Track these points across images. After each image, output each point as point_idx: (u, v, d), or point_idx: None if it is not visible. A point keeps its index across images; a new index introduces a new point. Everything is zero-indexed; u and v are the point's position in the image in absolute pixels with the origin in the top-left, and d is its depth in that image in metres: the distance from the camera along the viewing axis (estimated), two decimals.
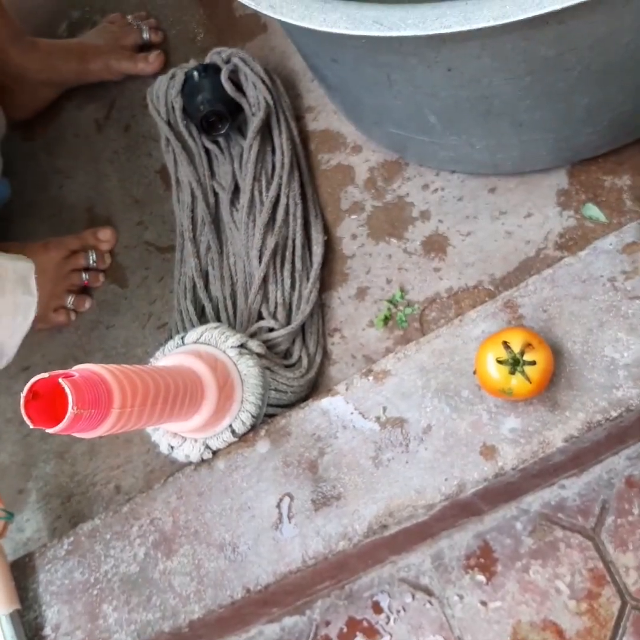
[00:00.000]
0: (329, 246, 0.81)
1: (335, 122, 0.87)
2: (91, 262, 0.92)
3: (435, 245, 0.76)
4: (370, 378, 0.65)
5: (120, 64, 1.00)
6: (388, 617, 0.71)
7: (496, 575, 0.68)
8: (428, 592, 0.70)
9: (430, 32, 0.51)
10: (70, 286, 0.92)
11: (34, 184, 1.06)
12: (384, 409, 0.64)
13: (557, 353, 0.59)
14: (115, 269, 0.94)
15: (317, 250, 0.79)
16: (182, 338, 0.71)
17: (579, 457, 0.64)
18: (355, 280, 0.79)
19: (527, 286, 0.63)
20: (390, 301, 0.76)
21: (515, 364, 0.56)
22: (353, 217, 0.82)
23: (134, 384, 0.53)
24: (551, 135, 0.67)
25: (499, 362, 0.56)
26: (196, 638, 0.73)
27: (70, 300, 0.91)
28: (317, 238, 0.80)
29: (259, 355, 0.71)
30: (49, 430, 0.46)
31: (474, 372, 0.59)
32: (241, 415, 0.68)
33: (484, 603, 0.67)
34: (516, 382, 0.56)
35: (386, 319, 0.76)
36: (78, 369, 0.49)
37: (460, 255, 0.75)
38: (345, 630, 0.72)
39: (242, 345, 0.70)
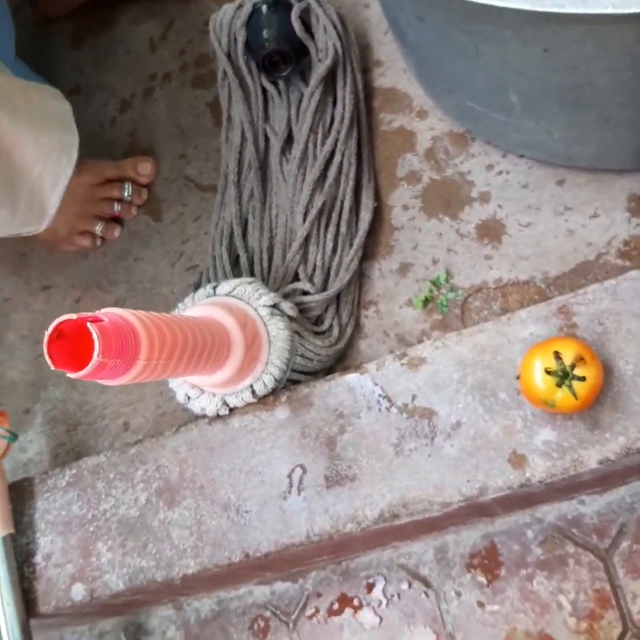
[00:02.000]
0: (378, 213, 0.77)
1: (404, 82, 0.82)
2: (126, 194, 0.88)
3: (491, 231, 0.73)
4: (404, 362, 0.63)
5: None
6: (380, 601, 0.70)
7: (498, 579, 0.67)
8: (426, 583, 0.69)
9: (542, 9, 0.46)
10: (100, 213, 0.88)
11: (77, 97, 1.01)
12: (414, 397, 0.61)
13: (607, 370, 0.56)
14: (150, 200, 0.90)
15: (365, 216, 0.75)
16: (214, 288, 0.68)
17: (606, 477, 0.61)
18: (400, 254, 0.75)
19: (586, 294, 0.59)
20: (433, 282, 0.73)
21: (564, 376, 0.53)
22: (408, 186, 0.77)
23: (163, 336, 0.50)
24: (637, 136, 0.62)
25: (547, 372, 0.53)
26: (185, 588, 0.73)
27: (99, 227, 0.88)
28: (367, 203, 0.76)
29: (290, 318, 0.68)
30: (71, 375, 0.43)
31: (517, 377, 0.56)
32: (264, 377, 0.66)
33: (481, 604, 0.66)
34: (562, 395, 0.53)
35: (426, 301, 0.72)
36: (108, 313, 0.46)
37: (515, 246, 0.71)
38: (335, 605, 0.72)
39: (274, 305, 0.67)
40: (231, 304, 0.66)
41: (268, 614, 0.74)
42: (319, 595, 0.73)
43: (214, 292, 0.68)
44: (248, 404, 0.67)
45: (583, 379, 0.53)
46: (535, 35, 0.53)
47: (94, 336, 0.42)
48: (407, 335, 0.72)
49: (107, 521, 0.70)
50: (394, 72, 0.82)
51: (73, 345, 0.44)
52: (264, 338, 0.66)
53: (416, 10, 0.59)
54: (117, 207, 0.88)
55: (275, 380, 0.66)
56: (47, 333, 0.45)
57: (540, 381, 0.53)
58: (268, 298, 0.67)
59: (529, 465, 0.57)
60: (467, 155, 0.76)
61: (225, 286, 0.68)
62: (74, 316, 0.43)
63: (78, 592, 0.68)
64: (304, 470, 0.63)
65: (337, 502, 0.61)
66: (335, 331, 0.72)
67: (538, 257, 0.70)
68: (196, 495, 0.66)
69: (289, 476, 0.63)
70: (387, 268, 0.75)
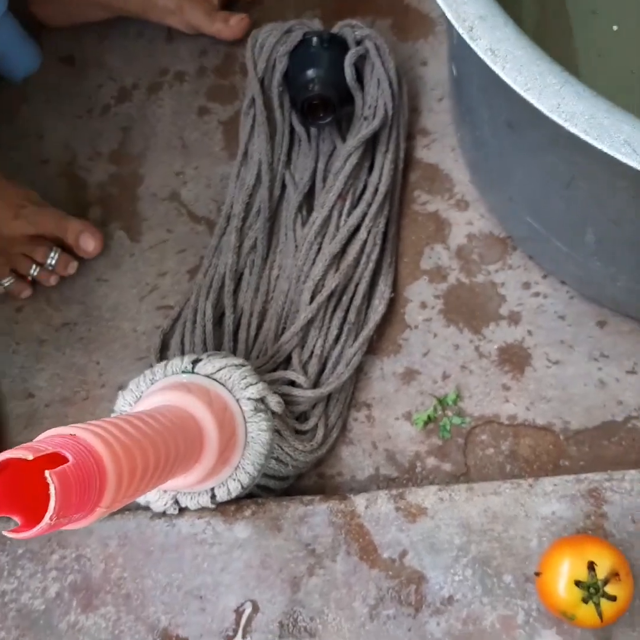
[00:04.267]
0: (391, 304, 0.68)
1: (449, 161, 0.72)
2: (50, 262, 0.74)
3: (514, 359, 0.64)
4: (400, 507, 0.53)
5: (194, 14, 0.80)
6: None
7: None
8: None
9: None
10: (13, 266, 0.74)
11: (69, 68, 0.87)
12: (404, 553, 0.52)
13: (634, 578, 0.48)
14: (131, 216, 0.78)
15: (379, 306, 0.66)
16: (194, 363, 0.57)
17: None
18: (408, 357, 0.66)
19: (623, 481, 0.52)
20: (440, 400, 0.64)
21: (594, 592, 0.45)
22: (431, 282, 0.68)
23: (133, 464, 0.39)
24: None
25: (576, 583, 0.45)
26: None
27: (6, 281, 0.74)
28: (384, 292, 0.66)
29: (273, 413, 0.58)
30: (6, 533, 0.32)
31: (536, 574, 0.48)
32: (230, 483, 0.55)
33: None
34: (585, 612, 0.45)
35: (428, 420, 0.63)
36: (72, 445, 0.34)
37: (538, 383, 0.63)
38: None
39: (261, 399, 0.57)
40: (211, 391, 0.55)
41: None
42: None
43: (193, 368, 0.57)
44: (203, 508, 0.57)
45: (614, 598, 0.45)
46: None
47: (52, 491, 0.31)
48: (398, 455, 0.63)
49: (3, 606, 0.58)
50: (440, 147, 0.73)
51: (15, 484, 0.32)
52: (240, 438, 0.55)
53: (509, 114, 0.50)
54: (34, 270, 0.74)
55: (242, 487, 0.56)
56: None
57: (565, 591, 0.45)
58: (255, 390, 0.56)
59: None
60: (503, 264, 0.67)
61: (208, 365, 0.57)
62: (28, 454, 0.31)
63: None
64: (256, 609, 0.53)
65: None
66: (320, 434, 0.62)
67: (561, 403, 0.62)
68: (119, 605, 0.55)
69: (237, 611, 0.53)
70: (390, 369, 0.66)
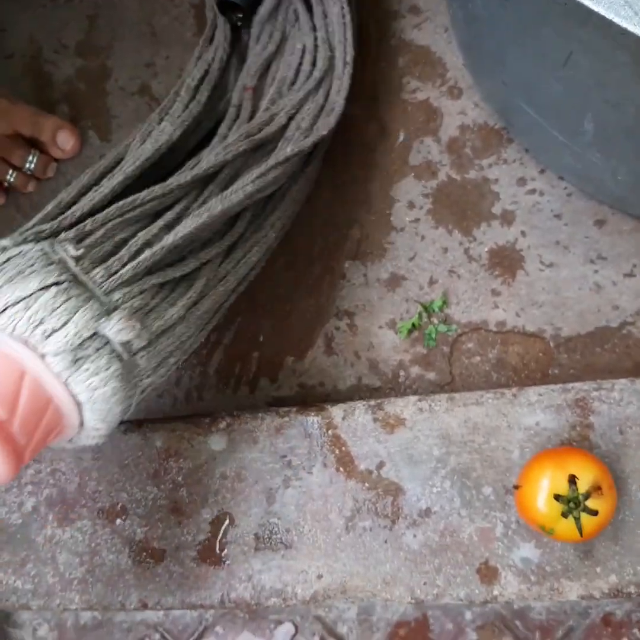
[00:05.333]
0: (379, 205, 0.63)
1: (441, 43, 0.65)
2: (28, 166, 0.69)
3: (505, 262, 0.60)
4: (378, 417, 0.51)
5: None
6: None
7: None
8: None
9: None
10: None
11: None
12: (381, 464, 0.51)
13: (616, 492, 0.46)
14: (100, 113, 0.72)
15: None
16: None
17: None
18: (393, 262, 0.62)
19: (612, 391, 0.49)
20: (425, 307, 0.61)
21: (574, 506, 0.43)
22: (419, 180, 0.63)
23: None
24: None
25: (556, 497, 0.43)
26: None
27: None
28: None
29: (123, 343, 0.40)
30: None
31: (515, 487, 0.46)
32: (90, 440, 0.43)
33: None
34: (565, 526, 0.43)
35: (413, 328, 0.60)
36: None
37: (530, 287, 0.59)
38: None
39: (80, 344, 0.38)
40: None
41: (157, 636, 0.65)
42: (218, 630, 0.64)
43: None
44: (176, 419, 0.55)
45: (595, 513, 0.43)
46: None
47: None
48: (381, 364, 0.60)
49: None
50: (432, 27, 0.66)
51: None
52: (65, 403, 0.39)
53: None
54: (10, 175, 0.69)
55: (106, 433, 0.44)
56: None
57: (544, 505, 0.43)
58: (62, 337, 0.37)
59: (499, 582, 0.47)
60: (498, 158, 0.62)
61: None
62: None
63: None
64: (231, 521, 0.52)
65: (264, 570, 0.51)
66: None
67: (553, 308, 0.59)
68: (94, 518, 0.55)
69: (213, 523, 0.52)
70: (374, 275, 0.62)
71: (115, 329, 0.39)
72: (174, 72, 0.72)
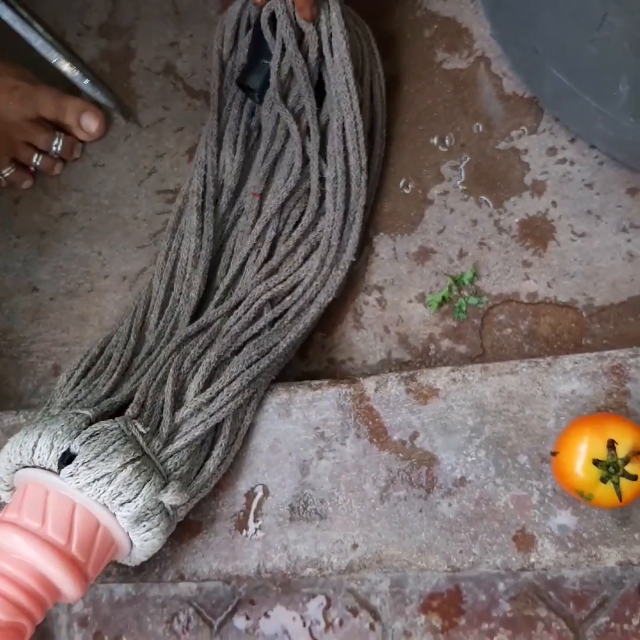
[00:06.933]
0: (407, 179, 0.63)
1: (468, 13, 0.65)
2: (55, 150, 0.69)
3: (537, 233, 0.60)
4: (411, 388, 0.51)
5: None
6: (320, 622, 0.62)
7: (456, 627, 0.60)
8: (375, 615, 0.62)
9: None
10: (14, 155, 0.69)
11: None
12: (415, 435, 0.51)
13: None
14: (125, 94, 0.72)
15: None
16: (63, 458, 0.47)
17: None
18: (422, 235, 0.62)
19: None
20: (455, 280, 0.60)
21: (613, 471, 0.43)
22: (447, 152, 0.63)
23: None
24: None
25: (594, 462, 0.43)
26: None
27: (6, 171, 0.69)
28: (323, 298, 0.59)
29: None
30: None
31: (553, 453, 0.46)
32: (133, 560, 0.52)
33: None
34: (603, 491, 0.43)
35: (443, 301, 0.60)
36: None
37: (562, 257, 0.59)
38: (269, 617, 0.64)
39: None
40: (78, 506, 0.47)
41: (191, 611, 0.66)
42: (252, 602, 0.65)
43: (59, 469, 0.47)
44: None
45: (635, 477, 0.43)
46: None
47: None
48: (411, 338, 0.60)
49: None
50: None
51: None
52: (122, 545, 0.50)
53: None
54: (36, 159, 0.69)
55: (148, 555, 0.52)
56: None
57: (582, 470, 0.43)
58: (133, 508, 0.47)
59: (536, 550, 0.47)
60: (528, 128, 0.61)
61: (79, 477, 0.47)
62: None
63: None
64: (266, 493, 0.52)
65: (300, 540, 0.51)
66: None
67: (585, 278, 0.58)
68: None
69: (248, 495, 0.53)
70: (403, 249, 0.62)
71: (170, 498, 0.48)
72: (199, 50, 0.72)
